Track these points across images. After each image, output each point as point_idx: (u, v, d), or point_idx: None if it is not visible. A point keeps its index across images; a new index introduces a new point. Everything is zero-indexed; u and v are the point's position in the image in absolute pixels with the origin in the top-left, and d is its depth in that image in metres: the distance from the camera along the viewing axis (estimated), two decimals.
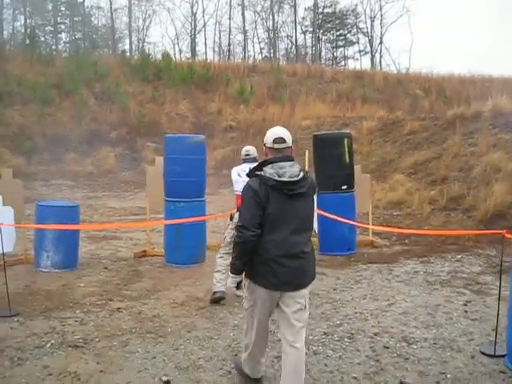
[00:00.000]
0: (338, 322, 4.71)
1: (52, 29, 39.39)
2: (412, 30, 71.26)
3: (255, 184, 3.04)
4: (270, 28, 40.04)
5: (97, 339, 4.26)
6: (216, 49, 40.74)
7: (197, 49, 39.74)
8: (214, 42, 40.60)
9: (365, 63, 41.24)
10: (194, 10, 39.47)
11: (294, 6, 39.92)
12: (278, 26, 40.22)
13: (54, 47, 35.28)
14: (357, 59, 42.08)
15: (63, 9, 40.57)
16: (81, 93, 19.73)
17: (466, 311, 4.99)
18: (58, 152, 16.76)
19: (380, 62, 38.79)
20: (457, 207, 9.47)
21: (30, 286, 5.81)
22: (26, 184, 7.90)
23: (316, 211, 7.10)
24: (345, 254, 7.38)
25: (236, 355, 3.89)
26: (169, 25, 70.89)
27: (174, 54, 35.43)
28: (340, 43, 41.94)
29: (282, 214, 3.03)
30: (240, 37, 45.02)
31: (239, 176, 5.21)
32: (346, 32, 41.56)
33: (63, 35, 42.07)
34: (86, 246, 7.83)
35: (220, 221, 9.13)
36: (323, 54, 42.08)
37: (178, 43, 42.40)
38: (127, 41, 40.89)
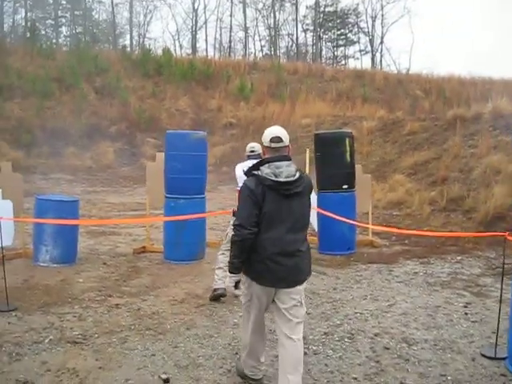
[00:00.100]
0: (338, 322, 4.69)
1: (53, 22, 39.26)
2: (413, 30, 70.86)
3: (252, 183, 3.08)
4: (271, 26, 40.01)
5: (96, 335, 4.24)
6: (217, 45, 40.75)
7: (197, 45, 39.79)
8: (215, 38, 40.60)
9: (365, 63, 41.22)
10: (196, 6, 39.48)
11: (296, 4, 39.95)
12: (279, 23, 40.22)
13: (54, 41, 35.22)
14: (357, 59, 42.13)
15: (64, 2, 40.50)
16: (81, 87, 19.68)
17: (466, 313, 4.97)
18: (57, 146, 16.68)
19: (380, 61, 38.83)
20: (457, 208, 9.47)
21: (29, 280, 5.77)
22: (24, 177, 7.85)
23: (316, 210, 7.11)
24: (344, 253, 7.35)
25: (236, 354, 3.87)
26: (170, 20, 70.71)
27: (175, 50, 35.51)
28: (341, 42, 41.89)
29: (278, 212, 3.06)
30: (241, 34, 45.07)
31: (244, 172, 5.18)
32: (347, 31, 41.54)
33: (64, 29, 42.14)
34: (85, 241, 7.79)
35: (219, 218, 9.12)
36: (324, 52, 42.12)
37: (178, 39, 42.67)
38: (128, 36, 40.89)
